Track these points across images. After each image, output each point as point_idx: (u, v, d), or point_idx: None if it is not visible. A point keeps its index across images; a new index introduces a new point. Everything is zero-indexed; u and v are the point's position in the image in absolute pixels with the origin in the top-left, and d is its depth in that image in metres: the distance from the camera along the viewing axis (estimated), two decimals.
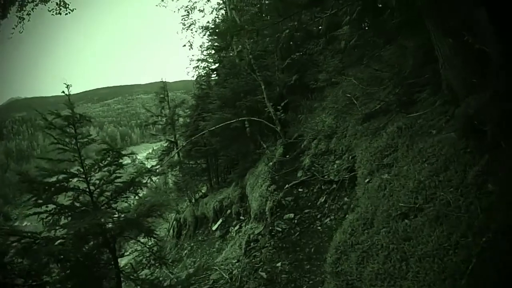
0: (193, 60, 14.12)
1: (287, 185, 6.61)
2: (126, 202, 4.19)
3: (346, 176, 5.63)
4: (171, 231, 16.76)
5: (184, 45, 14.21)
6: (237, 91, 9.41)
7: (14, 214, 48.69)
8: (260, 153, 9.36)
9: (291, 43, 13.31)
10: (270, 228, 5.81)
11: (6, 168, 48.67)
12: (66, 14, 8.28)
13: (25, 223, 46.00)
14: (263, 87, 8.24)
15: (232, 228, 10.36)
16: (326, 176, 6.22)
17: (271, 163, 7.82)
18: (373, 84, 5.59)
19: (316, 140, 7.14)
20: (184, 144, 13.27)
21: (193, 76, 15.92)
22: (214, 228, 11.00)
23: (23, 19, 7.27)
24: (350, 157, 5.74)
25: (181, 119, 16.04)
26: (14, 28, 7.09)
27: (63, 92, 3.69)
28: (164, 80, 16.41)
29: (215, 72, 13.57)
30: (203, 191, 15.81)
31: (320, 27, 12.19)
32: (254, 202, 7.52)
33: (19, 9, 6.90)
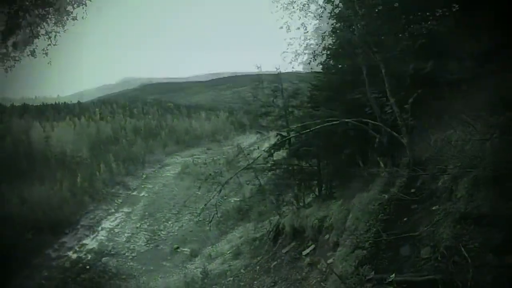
0: (291, 44, 11.24)
1: (392, 275, 3.14)
2: None
3: None
4: (271, 233, 15.69)
5: (281, 27, 11.73)
6: (348, 79, 6.57)
7: None
8: (374, 173, 6.22)
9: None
10: None
11: (133, 143, 54.52)
12: None
13: None
14: (383, 71, 5.01)
15: (324, 261, 7.91)
16: None
17: (385, 198, 4.74)
18: None
19: (467, 182, 3.25)
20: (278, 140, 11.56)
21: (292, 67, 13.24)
22: (304, 253, 8.92)
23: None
24: None
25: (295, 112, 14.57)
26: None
27: None
28: (278, 68, 15.22)
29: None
30: (310, 198, 13.66)
31: None
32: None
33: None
